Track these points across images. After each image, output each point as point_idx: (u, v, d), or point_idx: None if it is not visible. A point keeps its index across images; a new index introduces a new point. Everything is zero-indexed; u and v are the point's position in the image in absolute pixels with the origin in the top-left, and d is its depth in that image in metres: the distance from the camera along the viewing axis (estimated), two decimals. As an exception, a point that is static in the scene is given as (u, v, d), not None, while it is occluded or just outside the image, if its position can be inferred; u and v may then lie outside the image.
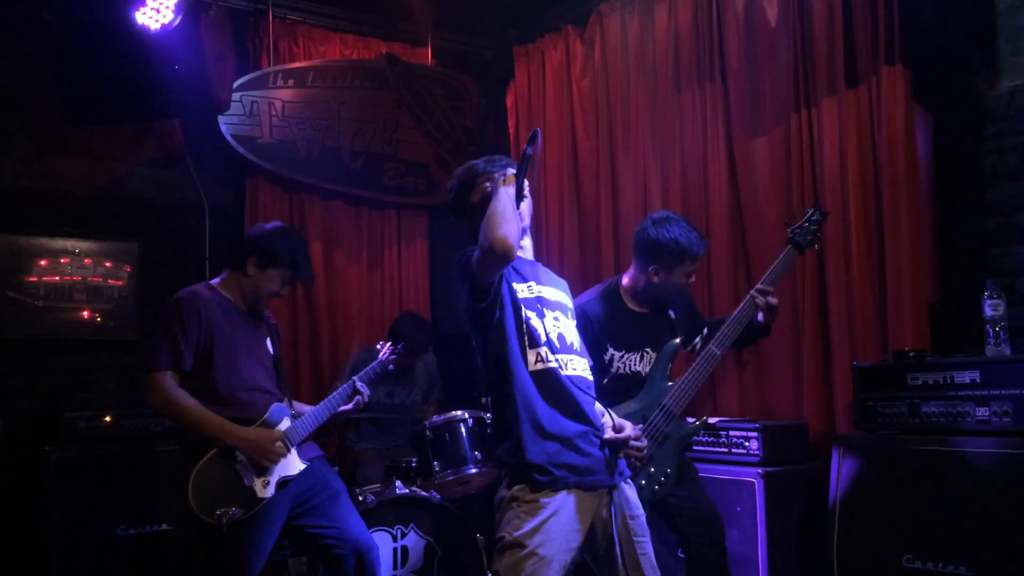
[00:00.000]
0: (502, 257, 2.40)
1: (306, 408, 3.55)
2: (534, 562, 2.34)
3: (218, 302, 3.30)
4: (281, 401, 3.36)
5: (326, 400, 3.55)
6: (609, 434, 2.57)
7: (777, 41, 4.19)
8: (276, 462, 3.18)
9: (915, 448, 3.16)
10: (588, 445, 2.50)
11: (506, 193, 2.51)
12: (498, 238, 2.37)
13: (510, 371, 2.49)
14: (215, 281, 3.41)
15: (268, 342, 3.44)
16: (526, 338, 2.51)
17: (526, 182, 2.59)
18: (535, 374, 2.49)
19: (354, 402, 3.68)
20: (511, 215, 2.45)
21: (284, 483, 3.22)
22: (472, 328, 2.59)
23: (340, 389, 3.64)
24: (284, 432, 3.26)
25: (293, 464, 3.28)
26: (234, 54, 4.82)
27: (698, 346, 3.52)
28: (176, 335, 3.16)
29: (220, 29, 4.41)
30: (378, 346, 4.09)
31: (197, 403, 3.12)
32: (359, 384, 3.70)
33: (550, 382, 2.50)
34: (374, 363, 3.93)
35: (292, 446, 3.29)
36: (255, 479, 3.15)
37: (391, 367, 4.04)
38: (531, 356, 2.50)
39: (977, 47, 3.65)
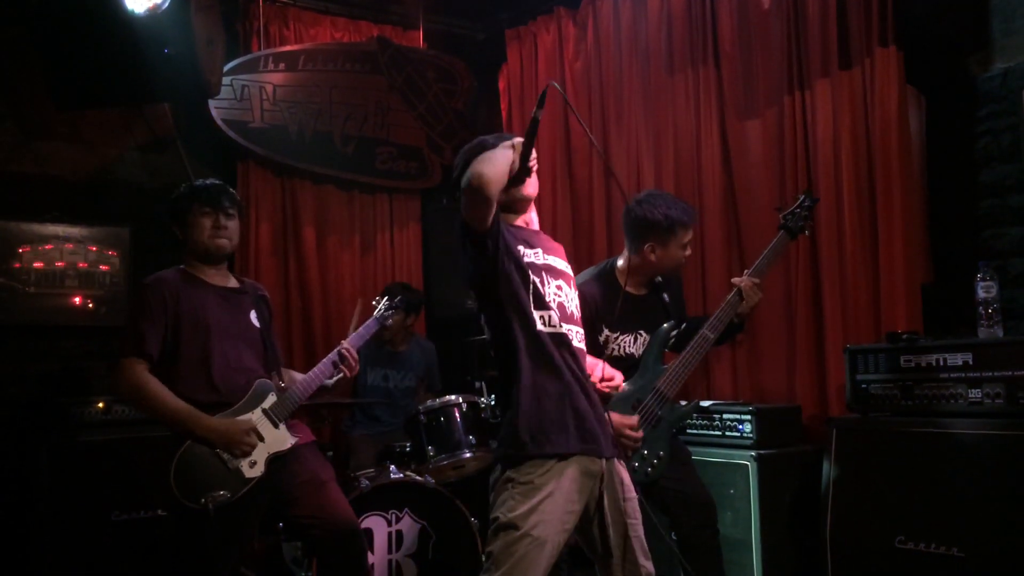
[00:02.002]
0: (476, 191, 2.33)
1: (299, 377, 3.43)
2: (528, 543, 2.33)
3: (186, 283, 3.21)
4: (267, 377, 3.25)
5: (314, 368, 3.39)
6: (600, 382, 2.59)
7: (770, 23, 4.18)
8: (248, 454, 3.07)
9: (908, 430, 3.17)
10: (587, 412, 2.49)
11: (503, 150, 2.46)
12: (473, 173, 2.32)
13: (519, 332, 2.47)
14: (184, 265, 3.33)
15: (252, 315, 3.32)
16: (532, 299, 2.50)
17: (533, 154, 2.50)
18: (543, 335, 2.48)
19: (345, 365, 3.43)
20: (497, 160, 2.39)
21: (275, 461, 3.12)
22: (478, 293, 2.56)
23: (329, 355, 3.43)
24: (268, 409, 3.18)
25: (282, 439, 3.18)
26: (224, 37, 4.77)
27: (672, 342, 3.49)
28: (140, 321, 3.09)
29: (210, 12, 4.35)
30: (374, 302, 3.89)
31: (165, 391, 3.02)
32: (345, 345, 3.46)
33: (558, 343, 2.49)
34: (369, 321, 3.70)
35: (281, 420, 3.20)
36: (241, 460, 3.05)
37: (388, 322, 3.87)
38: (537, 317, 2.49)
39: (970, 28, 3.65)
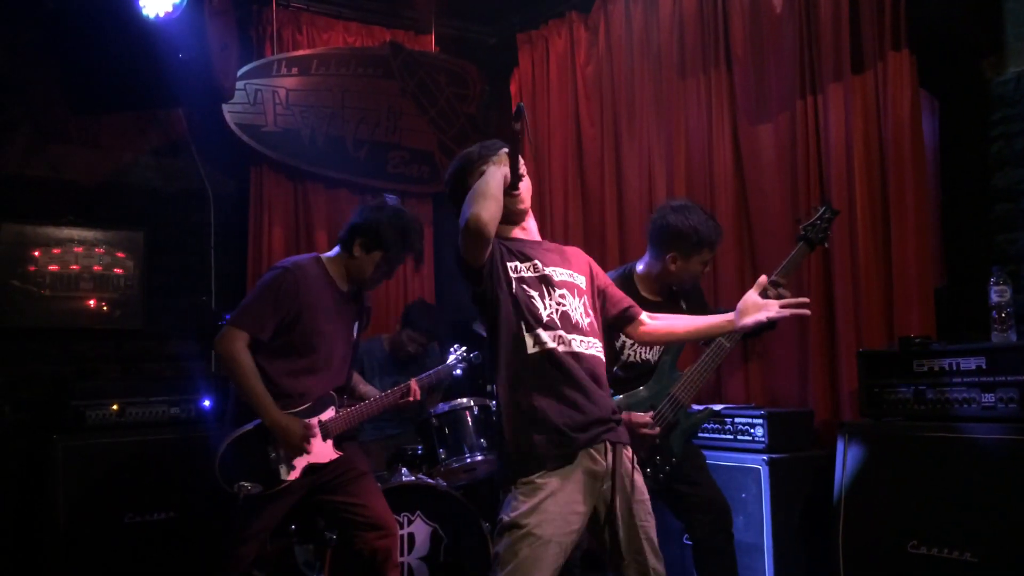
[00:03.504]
0: (475, 235, 2.38)
1: (360, 385, 3.66)
2: (531, 542, 2.34)
3: (319, 278, 3.33)
4: (340, 387, 3.39)
5: (377, 397, 3.57)
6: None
7: (782, 27, 4.18)
8: (300, 456, 3.22)
9: (920, 435, 3.16)
10: (587, 420, 2.48)
11: (494, 173, 2.49)
12: (472, 216, 2.36)
13: (507, 354, 2.49)
14: (329, 254, 3.43)
15: (356, 326, 3.45)
16: (523, 321, 2.49)
17: (521, 161, 2.53)
18: (532, 357, 2.48)
19: (405, 401, 3.63)
20: (491, 194, 2.42)
21: (312, 470, 3.27)
22: (480, 314, 2.60)
23: (393, 390, 3.60)
24: (324, 422, 3.30)
25: (326, 453, 3.31)
26: (238, 42, 4.80)
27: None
28: (267, 303, 3.21)
29: (224, 17, 4.38)
30: (451, 350, 4.02)
31: (253, 371, 3.16)
32: (416, 387, 3.63)
33: (548, 364, 2.47)
34: (440, 368, 3.88)
35: (330, 436, 3.32)
36: (282, 461, 3.20)
37: (458, 372, 3.98)
38: (528, 340, 2.48)
39: (983, 32, 3.63)
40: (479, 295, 2.53)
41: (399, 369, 4.95)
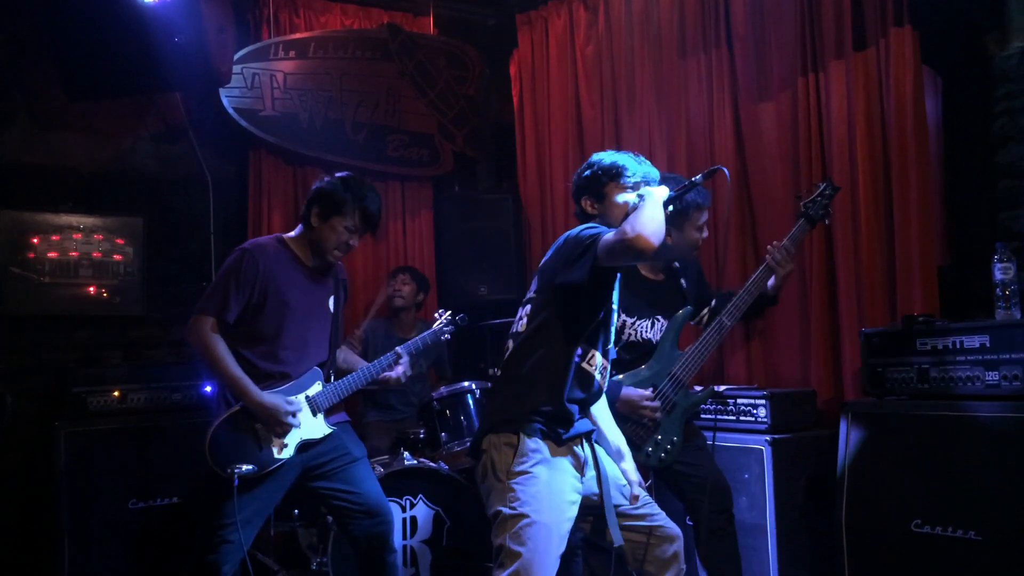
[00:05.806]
0: (637, 253, 2.44)
1: (353, 358, 3.62)
2: (536, 529, 2.41)
3: (281, 256, 3.31)
4: (324, 363, 3.37)
5: (365, 367, 3.52)
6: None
7: (783, 4, 4.14)
8: (286, 433, 3.19)
9: (924, 413, 3.15)
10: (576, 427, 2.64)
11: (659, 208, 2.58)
12: (644, 236, 2.40)
13: (555, 350, 2.57)
14: (290, 234, 3.41)
15: (331, 301, 3.42)
16: (591, 336, 2.62)
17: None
18: (575, 366, 2.58)
19: (396, 371, 3.59)
20: (662, 227, 2.49)
21: (305, 447, 3.25)
22: (558, 299, 2.60)
23: (381, 358, 3.55)
24: (312, 397, 3.29)
25: (317, 428, 3.29)
26: (234, 25, 4.77)
27: (704, 319, 3.49)
28: (230, 285, 3.20)
29: (220, 0, 4.36)
30: (436, 315, 3.97)
31: (227, 355, 3.16)
32: (403, 354, 3.60)
33: (584, 381, 2.61)
34: (427, 333, 3.82)
35: (320, 410, 3.31)
36: (274, 440, 3.18)
37: (446, 337, 3.91)
38: (581, 349, 2.59)
39: (986, 7, 3.60)
40: (573, 290, 2.55)
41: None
